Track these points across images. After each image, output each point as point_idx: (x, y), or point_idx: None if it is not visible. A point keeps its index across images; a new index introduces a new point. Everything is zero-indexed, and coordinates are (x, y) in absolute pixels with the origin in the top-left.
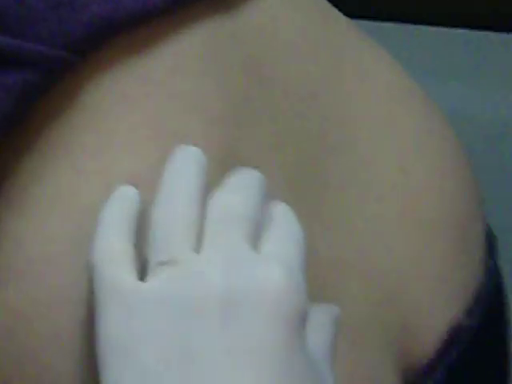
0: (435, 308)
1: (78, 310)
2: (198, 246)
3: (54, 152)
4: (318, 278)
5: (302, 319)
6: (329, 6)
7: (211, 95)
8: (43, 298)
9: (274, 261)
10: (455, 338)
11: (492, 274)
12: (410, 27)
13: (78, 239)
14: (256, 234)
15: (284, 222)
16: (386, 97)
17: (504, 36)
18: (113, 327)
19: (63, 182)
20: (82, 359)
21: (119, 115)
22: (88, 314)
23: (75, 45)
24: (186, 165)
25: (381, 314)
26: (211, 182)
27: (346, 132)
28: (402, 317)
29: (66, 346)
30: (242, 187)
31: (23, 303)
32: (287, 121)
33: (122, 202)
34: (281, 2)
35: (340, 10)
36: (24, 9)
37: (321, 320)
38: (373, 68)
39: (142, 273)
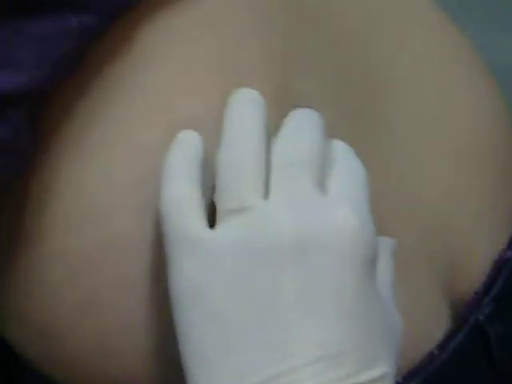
0: (480, 241)
1: (144, 253)
2: (265, 191)
3: (113, 94)
4: None
5: (374, 258)
6: None
7: (268, 32)
8: (107, 242)
9: (343, 201)
10: (501, 271)
11: None
12: None
13: (140, 182)
14: (321, 176)
15: (347, 162)
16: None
17: None
18: (186, 274)
19: (123, 125)
20: (147, 301)
21: (177, 55)
22: (154, 257)
23: None
24: (248, 109)
25: (427, 247)
26: (269, 118)
27: (394, 67)
28: (448, 249)
29: (131, 289)
30: (304, 130)
31: (87, 248)
32: (341, 57)
33: (186, 148)
34: None
35: None
36: None
37: (383, 255)
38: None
39: (208, 218)
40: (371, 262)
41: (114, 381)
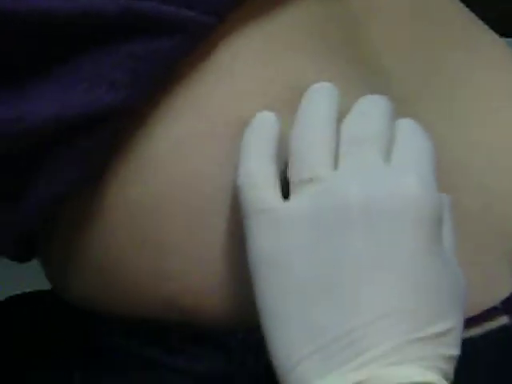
0: None
1: (213, 198)
2: (334, 163)
3: (195, 96)
4: None
5: (440, 223)
6: None
7: (333, 41)
8: (176, 188)
9: (408, 170)
10: None
11: None
12: None
13: (207, 137)
14: (387, 149)
15: (413, 134)
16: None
17: None
18: (263, 244)
19: (201, 103)
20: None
21: (257, 62)
22: (225, 200)
23: (217, 9)
24: (322, 94)
25: (494, 210)
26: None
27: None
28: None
29: (203, 237)
30: (372, 110)
31: (156, 196)
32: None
33: (263, 126)
34: None
35: None
36: None
37: (446, 215)
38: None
39: (283, 192)
40: (437, 225)
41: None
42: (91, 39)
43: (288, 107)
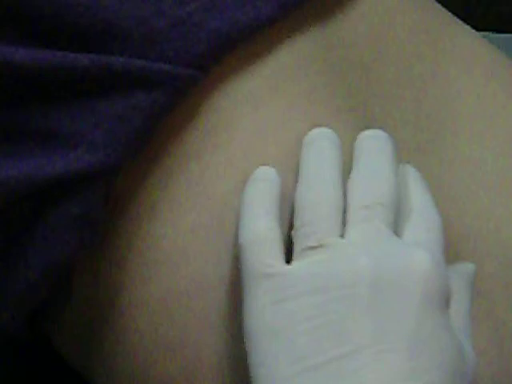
0: None
1: (220, 297)
2: (342, 229)
3: (185, 154)
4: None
5: (447, 299)
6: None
7: (330, 89)
8: (184, 288)
9: (417, 245)
10: None
11: None
12: None
13: (213, 228)
14: (396, 217)
15: (423, 207)
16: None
17: None
18: (263, 310)
19: (193, 177)
20: (226, 346)
21: (245, 114)
22: (231, 300)
23: (198, 61)
24: (324, 147)
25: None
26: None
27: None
28: None
29: (211, 334)
30: (377, 166)
31: (165, 295)
32: (398, 102)
33: (264, 184)
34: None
35: None
36: (146, 29)
37: (458, 285)
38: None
39: (285, 253)
40: (444, 303)
41: None
42: (66, 96)
43: (286, 160)
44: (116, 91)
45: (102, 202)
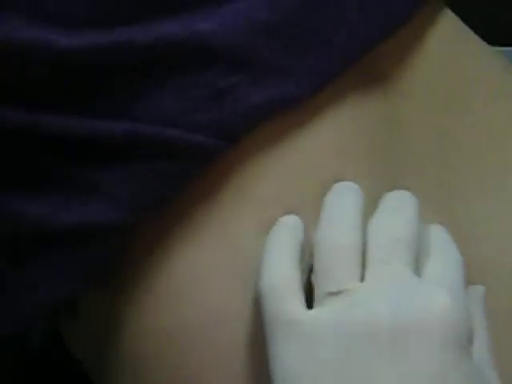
0: None
1: (233, 332)
2: (362, 272)
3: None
4: None
5: (470, 339)
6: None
7: (361, 142)
8: (195, 321)
9: (439, 287)
10: None
11: None
12: None
13: (226, 266)
14: (416, 257)
15: (443, 245)
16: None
17: None
18: (284, 358)
19: (213, 218)
20: (239, 381)
21: (270, 163)
22: (245, 336)
23: (233, 134)
24: (346, 195)
25: None
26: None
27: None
28: None
29: (220, 369)
30: (398, 209)
31: (174, 326)
32: (422, 156)
33: (288, 229)
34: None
35: None
36: (186, 98)
37: (477, 317)
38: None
39: (305, 297)
40: (466, 344)
41: None
42: (95, 157)
43: (310, 209)
44: (145, 156)
45: (115, 249)
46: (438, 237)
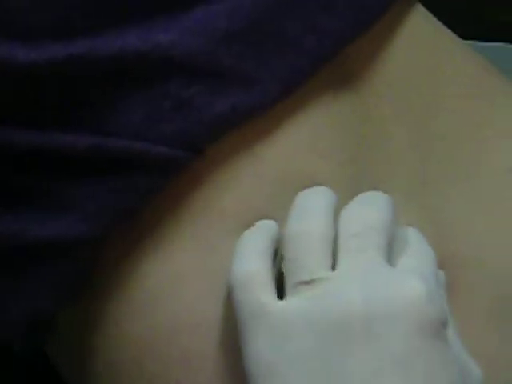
0: None
1: (207, 335)
2: (333, 262)
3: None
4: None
5: (444, 324)
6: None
7: (335, 143)
8: (169, 326)
9: (410, 273)
10: None
11: None
12: None
13: (199, 269)
14: (388, 247)
15: (417, 244)
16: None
17: None
18: (257, 349)
19: (183, 221)
20: (218, 377)
21: (242, 166)
22: (219, 338)
23: (198, 144)
24: (318, 192)
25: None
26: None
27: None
28: None
29: (198, 373)
30: (371, 201)
31: (149, 333)
32: (401, 151)
33: (259, 229)
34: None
35: None
36: (151, 110)
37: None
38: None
39: (277, 287)
40: (441, 329)
41: None
42: (64, 172)
43: (283, 216)
44: (113, 171)
45: (86, 261)
46: (412, 236)
